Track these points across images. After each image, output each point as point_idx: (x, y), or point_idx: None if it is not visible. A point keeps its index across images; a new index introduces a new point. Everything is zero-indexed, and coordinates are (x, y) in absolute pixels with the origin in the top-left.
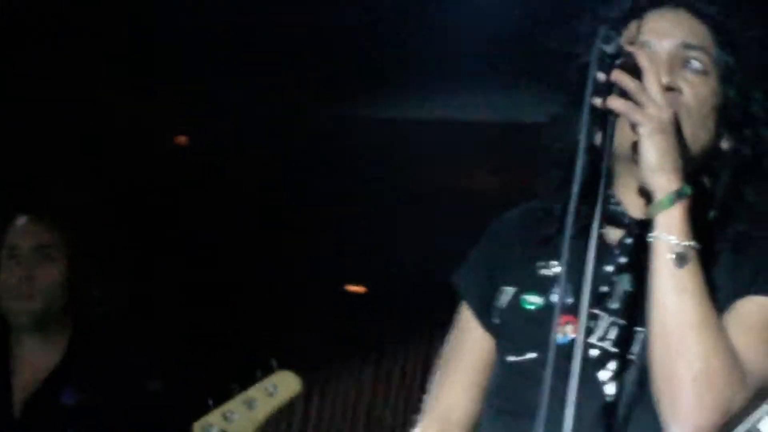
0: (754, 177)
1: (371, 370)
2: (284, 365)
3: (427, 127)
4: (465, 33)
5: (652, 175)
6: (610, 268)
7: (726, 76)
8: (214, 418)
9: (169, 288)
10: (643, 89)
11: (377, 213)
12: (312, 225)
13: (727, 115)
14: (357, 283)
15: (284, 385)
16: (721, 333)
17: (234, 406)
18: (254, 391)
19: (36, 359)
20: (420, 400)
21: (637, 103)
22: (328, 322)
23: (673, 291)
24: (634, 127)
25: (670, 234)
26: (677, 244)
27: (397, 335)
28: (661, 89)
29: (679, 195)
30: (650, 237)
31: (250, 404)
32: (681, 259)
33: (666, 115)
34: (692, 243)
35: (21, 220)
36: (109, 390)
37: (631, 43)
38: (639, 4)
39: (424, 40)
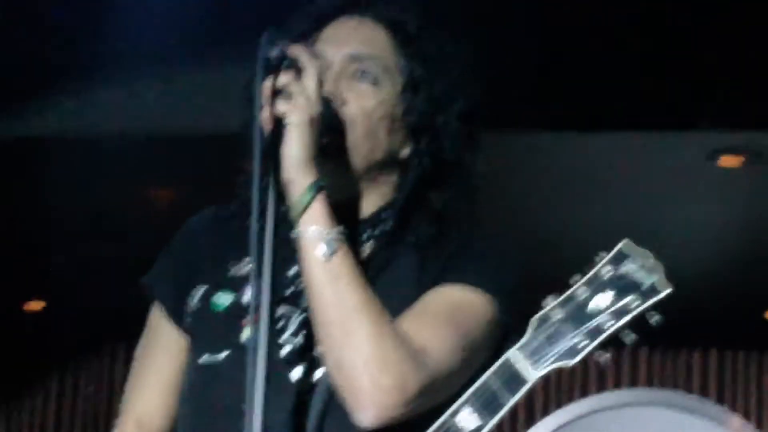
0: (439, 186)
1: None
2: None
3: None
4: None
5: (291, 168)
6: (293, 271)
7: (407, 85)
8: None
9: None
10: (298, 83)
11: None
12: None
13: (408, 123)
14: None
15: None
16: (384, 315)
17: None
18: None
19: None
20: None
21: (289, 97)
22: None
23: (327, 281)
24: (279, 118)
25: (313, 225)
26: (324, 234)
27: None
28: (316, 86)
29: (315, 187)
30: (294, 234)
31: None
32: (329, 248)
33: (316, 109)
34: (338, 229)
35: None
36: None
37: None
38: (325, 13)
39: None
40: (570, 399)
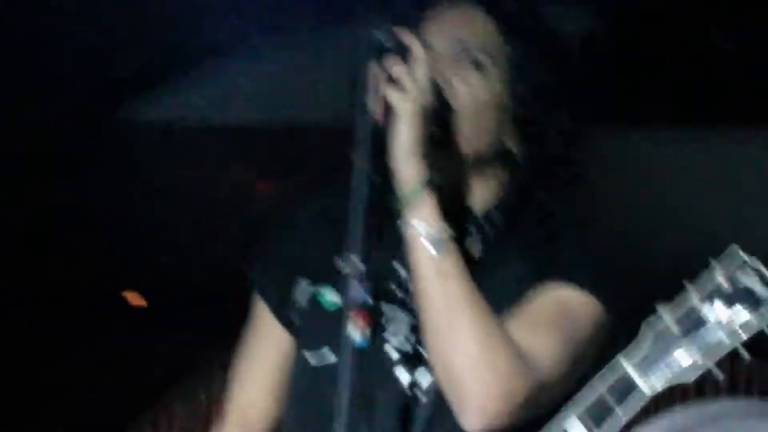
0: (547, 179)
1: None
2: None
3: (191, 132)
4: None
5: (400, 160)
6: (403, 265)
7: (513, 74)
8: None
9: None
10: (409, 72)
11: (152, 219)
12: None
13: (514, 113)
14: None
15: None
16: (492, 316)
17: None
18: None
19: None
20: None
21: (400, 86)
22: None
23: (436, 278)
24: (389, 107)
25: (422, 222)
26: (433, 232)
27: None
28: (427, 75)
29: (427, 183)
30: (404, 229)
31: None
32: (438, 246)
33: (427, 101)
34: (447, 228)
35: None
36: None
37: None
38: (430, 1)
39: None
40: (669, 406)
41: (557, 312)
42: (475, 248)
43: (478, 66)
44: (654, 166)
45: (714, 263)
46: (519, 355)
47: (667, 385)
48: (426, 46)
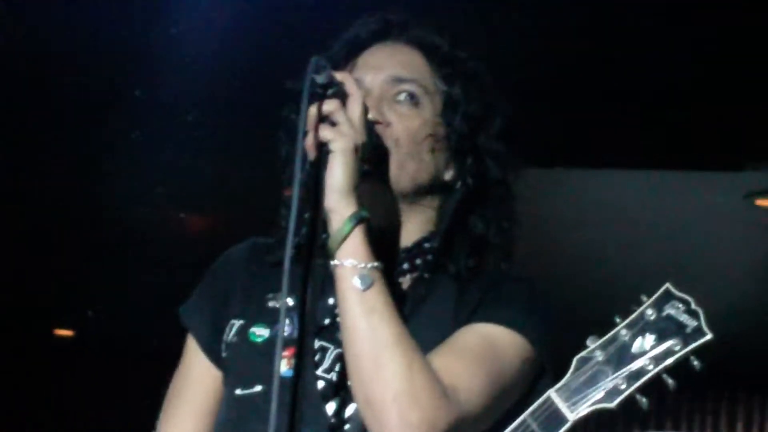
0: (482, 208)
1: None
2: None
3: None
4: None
5: (332, 197)
6: (332, 301)
7: (446, 105)
8: None
9: None
10: (342, 110)
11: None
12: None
13: (449, 145)
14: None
15: None
16: (416, 351)
17: None
18: None
19: None
20: None
21: (334, 124)
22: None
23: (362, 313)
24: (322, 145)
25: (351, 257)
26: (361, 267)
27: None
28: (361, 113)
29: (357, 218)
30: (333, 263)
31: None
32: (365, 281)
33: (360, 137)
34: (376, 264)
35: None
36: None
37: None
38: (359, 41)
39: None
40: None
41: (483, 346)
42: (407, 280)
43: (411, 99)
44: (583, 204)
45: (644, 297)
46: (441, 388)
47: (590, 409)
48: (360, 83)
